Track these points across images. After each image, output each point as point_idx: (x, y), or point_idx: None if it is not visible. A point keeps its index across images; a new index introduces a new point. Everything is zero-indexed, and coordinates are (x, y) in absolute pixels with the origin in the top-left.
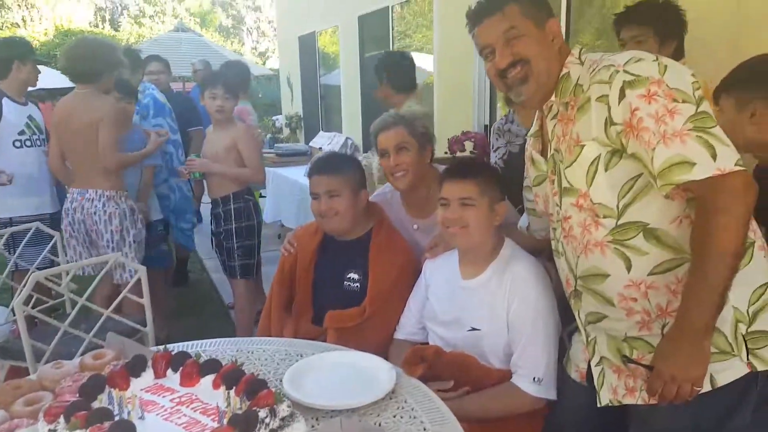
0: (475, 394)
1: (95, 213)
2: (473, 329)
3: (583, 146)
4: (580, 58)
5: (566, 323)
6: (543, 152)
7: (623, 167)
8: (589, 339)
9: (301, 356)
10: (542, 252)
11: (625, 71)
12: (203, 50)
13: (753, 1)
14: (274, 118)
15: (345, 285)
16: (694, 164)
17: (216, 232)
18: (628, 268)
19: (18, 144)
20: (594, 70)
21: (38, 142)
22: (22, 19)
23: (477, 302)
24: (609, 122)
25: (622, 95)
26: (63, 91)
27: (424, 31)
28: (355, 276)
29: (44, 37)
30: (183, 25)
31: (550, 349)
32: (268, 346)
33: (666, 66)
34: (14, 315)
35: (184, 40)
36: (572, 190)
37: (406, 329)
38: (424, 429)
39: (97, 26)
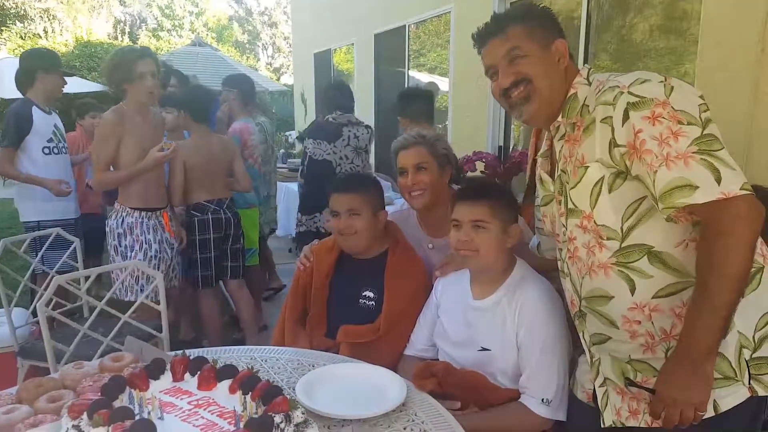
0: (485, 411)
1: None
2: (483, 349)
3: (587, 167)
4: (588, 78)
5: (577, 344)
6: (551, 172)
7: (627, 189)
8: (594, 360)
9: (314, 366)
10: (553, 272)
11: (630, 92)
12: (219, 65)
13: None
14: (287, 133)
15: (360, 302)
16: (697, 187)
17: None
18: (632, 291)
19: (47, 151)
20: (600, 90)
21: (63, 150)
22: (44, 30)
23: (487, 323)
24: (613, 144)
25: (626, 117)
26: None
27: (439, 51)
28: (371, 294)
29: (65, 48)
30: (200, 39)
31: (559, 371)
32: (282, 355)
33: (672, 87)
34: (34, 317)
35: (200, 55)
36: (577, 211)
37: (417, 346)
38: None
39: (116, 38)
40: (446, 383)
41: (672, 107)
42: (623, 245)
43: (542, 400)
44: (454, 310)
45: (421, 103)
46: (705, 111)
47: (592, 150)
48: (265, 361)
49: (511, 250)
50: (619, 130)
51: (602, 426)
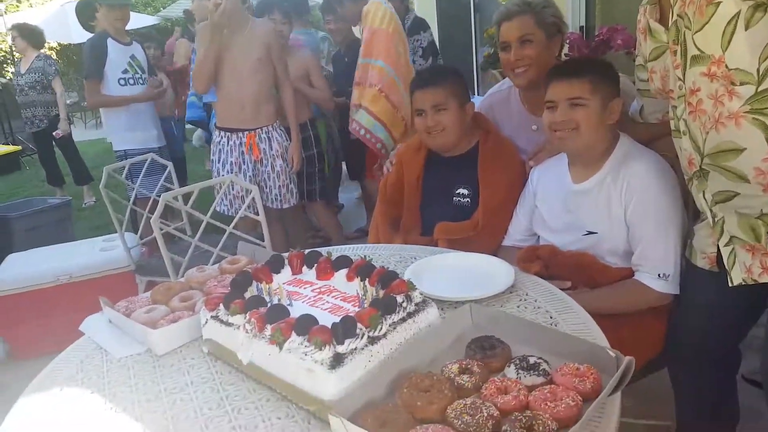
0: (597, 290)
1: None
2: (589, 233)
3: (718, 3)
4: None
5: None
6: (662, 20)
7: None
8: (717, 220)
9: (416, 259)
10: (659, 138)
11: None
12: None
13: None
14: None
15: (454, 200)
16: None
17: None
18: None
19: (122, 82)
20: None
21: (140, 81)
22: None
23: (591, 205)
24: None
25: None
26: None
27: None
28: (465, 191)
29: None
30: None
31: (676, 243)
32: (382, 251)
33: None
34: (141, 240)
35: None
36: (703, 57)
37: (515, 237)
38: (551, 317)
39: None
40: (553, 265)
41: None
42: (759, 89)
43: (659, 275)
44: (554, 197)
45: None
46: None
47: None
48: (367, 257)
49: (613, 126)
50: None
51: (730, 285)
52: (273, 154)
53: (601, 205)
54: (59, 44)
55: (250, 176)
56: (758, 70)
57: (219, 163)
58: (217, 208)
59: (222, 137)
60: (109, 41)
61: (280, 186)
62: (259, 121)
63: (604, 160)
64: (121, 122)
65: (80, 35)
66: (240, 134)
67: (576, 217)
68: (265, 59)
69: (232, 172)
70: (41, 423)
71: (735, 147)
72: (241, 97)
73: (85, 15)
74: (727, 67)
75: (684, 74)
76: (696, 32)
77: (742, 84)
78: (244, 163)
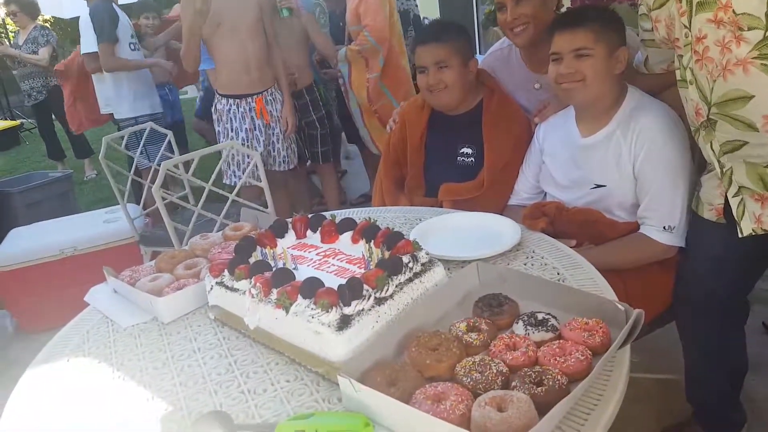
0: (604, 245)
1: None
2: (598, 186)
3: None
4: None
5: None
6: None
7: None
8: (725, 170)
9: (421, 220)
10: (664, 89)
11: None
12: None
13: None
14: None
15: (458, 160)
16: None
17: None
18: None
19: (132, 47)
20: None
21: (139, 47)
22: None
23: (600, 158)
24: None
25: None
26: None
27: None
28: (469, 150)
29: None
30: None
31: (684, 195)
32: (387, 213)
33: None
34: (144, 210)
35: None
36: (709, 2)
37: (522, 195)
38: (558, 273)
39: None
40: (559, 221)
41: None
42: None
43: (664, 227)
44: (561, 152)
45: None
46: None
47: None
48: (371, 220)
49: (620, 76)
50: None
51: (740, 236)
52: (277, 117)
53: (610, 158)
54: (53, 17)
55: (263, 141)
56: (766, 14)
57: (233, 131)
58: (226, 181)
59: (231, 105)
60: (114, 6)
61: (287, 147)
62: (264, 83)
63: (613, 113)
64: (130, 89)
65: (70, 10)
66: (248, 99)
67: (584, 172)
68: (260, 20)
69: (248, 141)
70: (49, 394)
71: (743, 94)
72: (245, 59)
73: None
74: (734, 12)
75: (690, 22)
76: None
77: (749, 29)
78: (256, 128)
